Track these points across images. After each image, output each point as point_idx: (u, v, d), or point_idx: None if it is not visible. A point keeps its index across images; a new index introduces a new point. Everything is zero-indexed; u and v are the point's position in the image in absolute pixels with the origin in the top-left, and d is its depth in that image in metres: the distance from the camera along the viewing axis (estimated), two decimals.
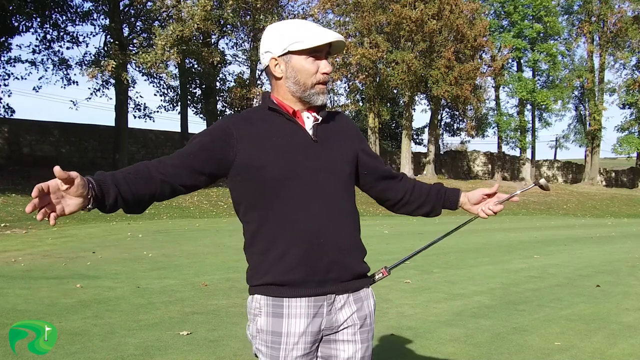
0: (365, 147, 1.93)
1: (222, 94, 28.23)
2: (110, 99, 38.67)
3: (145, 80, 24.84)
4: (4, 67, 21.85)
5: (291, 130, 1.77)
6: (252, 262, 1.79)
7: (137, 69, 22.40)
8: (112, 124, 23.38)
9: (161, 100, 26.86)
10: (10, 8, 18.85)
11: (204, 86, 27.22)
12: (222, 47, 26.34)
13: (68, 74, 22.54)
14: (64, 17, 22.13)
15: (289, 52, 1.74)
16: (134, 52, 21.40)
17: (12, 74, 22.36)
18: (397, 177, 2.00)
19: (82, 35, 24.27)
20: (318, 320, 1.74)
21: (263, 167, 1.70)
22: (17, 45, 25.98)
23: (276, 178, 1.70)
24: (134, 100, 24.25)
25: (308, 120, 1.80)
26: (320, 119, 1.81)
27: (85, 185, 1.48)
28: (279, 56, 1.76)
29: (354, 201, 1.85)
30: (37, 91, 23.19)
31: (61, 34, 22.15)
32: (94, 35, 24.90)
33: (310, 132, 1.78)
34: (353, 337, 1.80)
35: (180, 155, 1.73)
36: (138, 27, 23.18)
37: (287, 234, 1.71)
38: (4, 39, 20.56)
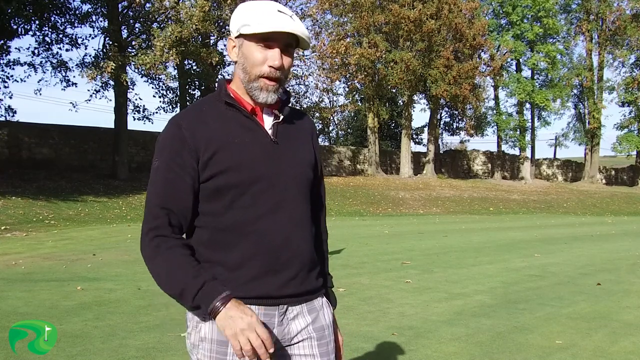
0: (318, 156, 1.78)
1: None
2: (110, 100, 38.70)
3: (144, 81, 24.74)
4: (3, 70, 21.86)
5: (249, 129, 1.60)
6: None
7: (136, 70, 22.38)
8: (112, 126, 23.37)
9: (160, 101, 26.81)
10: (9, 11, 18.83)
11: (202, 87, 27.20)
12: (221, 48, 26.25)
13: (67, 76, 22.52)
14: (63, 20, 22.10)
15: (241, 35, 1.58)
16: (132, 53, 21.39)
17: (11, 76, 22.36)
18: (320, 207, 1.83)
19: (81, 37, 24.08)
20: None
21: (220, 172, 1.55)
22: (16, 48, 26.05)
23: (233, 185, 1.55)
24: (133, 102, 24.25)
25: (268, 119, 1.64)
26: (282, 117, 1.65)
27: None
28: (235, 37, 1.61)
29: (311, 210, 1.71)
30: (37, 94, 23.05)
31: (60, 36, 22.11)
32: (92, 37, 24.73)
33: (270, 132, 1.62)
34: (311, 350, 1.64)
35: (161, 189, 1.57)
36: (137, 29, 23.17)
37: (245, 246, 1.56)
38: (2, 41, 20.55)
